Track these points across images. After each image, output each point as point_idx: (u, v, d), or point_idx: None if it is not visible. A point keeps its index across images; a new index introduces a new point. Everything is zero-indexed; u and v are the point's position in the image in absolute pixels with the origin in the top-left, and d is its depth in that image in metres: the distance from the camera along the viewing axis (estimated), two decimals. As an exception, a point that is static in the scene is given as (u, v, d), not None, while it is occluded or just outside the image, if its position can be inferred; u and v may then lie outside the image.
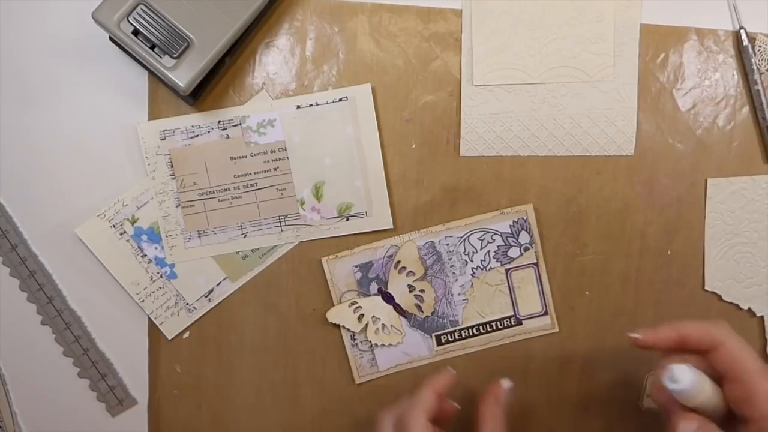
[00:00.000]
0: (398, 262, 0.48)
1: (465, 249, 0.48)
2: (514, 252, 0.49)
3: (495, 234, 0.48)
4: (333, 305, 0.48)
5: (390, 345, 0.49)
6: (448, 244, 0.48)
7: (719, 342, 0.37)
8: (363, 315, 0.48)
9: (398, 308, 0.49)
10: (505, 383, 0.44)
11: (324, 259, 0.48)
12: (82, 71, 0.46)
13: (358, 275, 0.48)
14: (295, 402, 0.49)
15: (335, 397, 0.49)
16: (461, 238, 0.48)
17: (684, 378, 0.35)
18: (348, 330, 0.48)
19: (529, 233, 0.48)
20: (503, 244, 0.48)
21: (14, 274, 0.48)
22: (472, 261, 0.48)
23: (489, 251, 0.48)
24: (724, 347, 0.37)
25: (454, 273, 0.49)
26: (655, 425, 0.50)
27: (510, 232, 0.48)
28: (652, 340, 0.39)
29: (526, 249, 0.48)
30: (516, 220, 0.48)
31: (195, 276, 0.48)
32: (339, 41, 0.47)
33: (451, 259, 0.48)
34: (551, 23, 0.47)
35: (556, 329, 0.49)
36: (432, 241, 0.48)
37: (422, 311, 0.49)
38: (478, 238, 0.48)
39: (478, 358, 0.49)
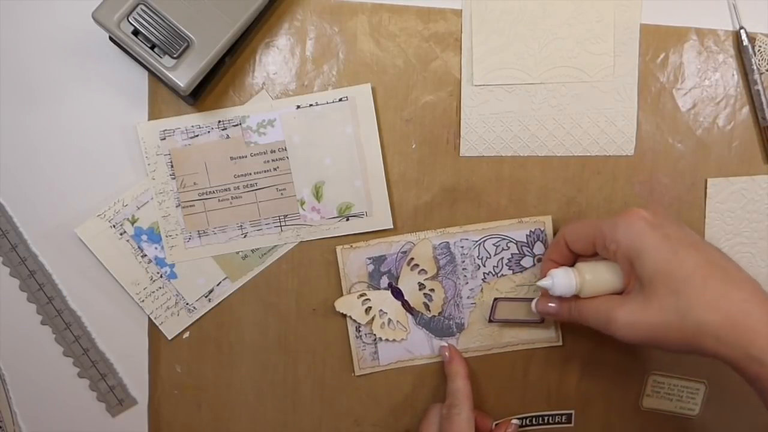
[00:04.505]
0: (412, 259, 0.48)
1: (479, 253, 0.48)
2: (527, 261, 0.48)
3: (510, 242, 0.48)
4: (341, 296, 0.48)
5: (394, 340, 0.49)
6: (462, 247, 0.48)
7: (564, 242, 0.43)
8: (371, 308, 0.48)
9: (406, 305, 0.49)
10: (515, 420, 0.49)
11: (338, 248, 0.48)
12: (82, 71, 0.46)
13: (371, 267, 0.48)
14: (295, 402, 0.49)
15: (335, 396, 0.49)
16: (477, 242, 0.48)
17: (550, 281, 0.41)
18: (354, 321, 0.48)
19: (544, 244, 0.48)
20: (517, 252, 0.48)
21: (14, 274, 0.48)
22: (484, 266, 0.48)
23: (503, 258, 0.48)
24: (568, 244, 0.42)
25: (465, 276, 0.48)
26: (655, 425, 0.50)
27: (525, 241, 0.48)
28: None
29: (539, 260, 0.48)
30: (533, 230, 0.48)
31: (195, 276, 0.48)
32: (339, 41, 0.47)
33: (464, 261, 0.48)
34: (551, 23, 0.47)
35: (560, 342, 0.49)
36: (447, 242, 0.48)
37: (429, 310, 0.49)
38: (494, 244, 0.48)
39: (480, 360, 0.49)
